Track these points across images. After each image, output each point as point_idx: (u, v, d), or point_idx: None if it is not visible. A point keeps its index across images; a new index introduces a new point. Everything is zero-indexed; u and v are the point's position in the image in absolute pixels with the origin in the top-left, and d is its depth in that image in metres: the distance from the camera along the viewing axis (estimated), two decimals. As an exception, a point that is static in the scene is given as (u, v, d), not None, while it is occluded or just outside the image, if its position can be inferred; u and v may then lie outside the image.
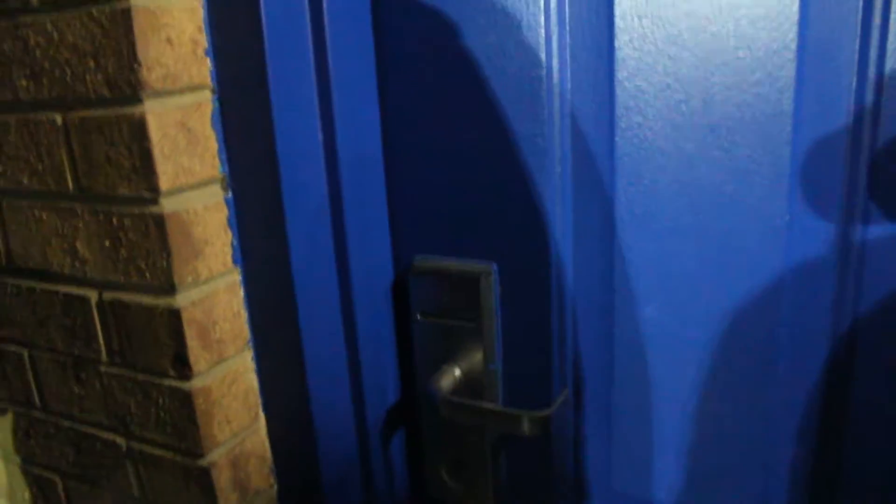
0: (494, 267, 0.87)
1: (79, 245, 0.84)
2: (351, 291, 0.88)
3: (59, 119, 0.80)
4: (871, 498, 0.77)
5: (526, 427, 0.82)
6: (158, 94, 0.75)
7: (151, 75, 0.73)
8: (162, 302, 0.80)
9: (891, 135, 0.67)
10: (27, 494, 1.08)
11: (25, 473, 1.06)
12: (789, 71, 0.70)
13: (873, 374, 0.74)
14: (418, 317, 0.91)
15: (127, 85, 0.74)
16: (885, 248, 0.70)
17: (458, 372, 0.90)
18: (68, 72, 0.77)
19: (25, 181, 0.85)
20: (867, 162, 0.69)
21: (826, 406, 0.77)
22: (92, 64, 0.75)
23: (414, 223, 0.91)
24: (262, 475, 0.92)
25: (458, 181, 0.86)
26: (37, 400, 0.99)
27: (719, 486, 0.85)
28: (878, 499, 0.77)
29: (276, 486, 0.94)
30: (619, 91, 0.77)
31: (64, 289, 0.88)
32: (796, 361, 0.77)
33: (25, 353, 0.97)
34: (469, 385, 0.90)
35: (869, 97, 0.67)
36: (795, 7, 0.68)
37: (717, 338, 0.80)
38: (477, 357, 0.89)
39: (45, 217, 0.86)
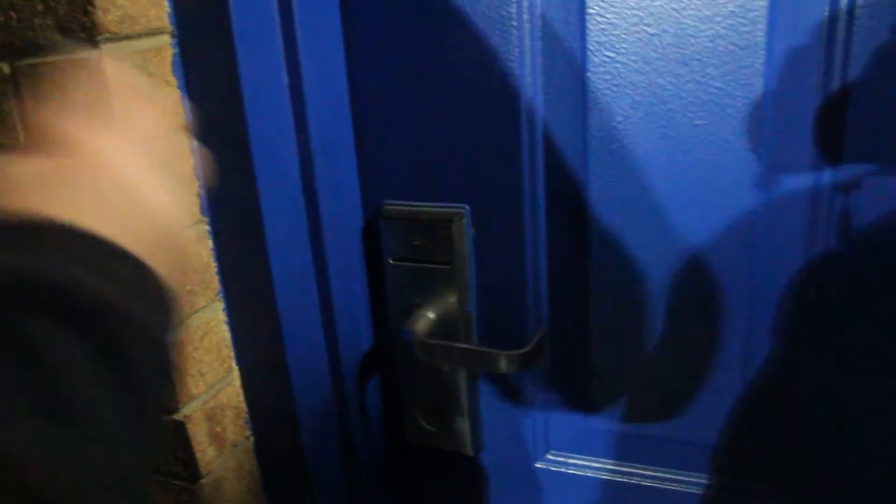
0: (467, 209, 0.86)
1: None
2: (322, 238, 0.86)
3: (6, 68, 0.75)
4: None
5: (504, 365, 0.82)
6: (115, 37, 0.71)
7: (108, 17, 0.70)
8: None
9: (862, 66, 0.68)
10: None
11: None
12: (762, 1, 0.70)
13: (843, 308, 0.76)
14: (390, 261, 0.90)
15: (81, 28, 0.70)
16: (858, 180, 0.72)
17: (432, 315, 0.89)
18: (14, 16, 0.72)
19: (-28, 136, 0.81)
20: (839, 93, 0.70)
21: (795, 342, 0.80)
22: (40, 7, 0.71)
23: (384, 168, 0.89)
24: (238, 427, 0.91)
25: (428, 124, 0.85)
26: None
27: (692, 418, 0.87)
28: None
29: (252, 439, 0.94)
30: (590, 26, 0.76)
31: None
32: (769, 295, 0.79)
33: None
34: (444, 328, 0.90)
35: (841, 27, 0.68)
36: (768, -63, 0.68)
37: (691, 272, 0.81)
38: (451, 300, 0.89)
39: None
